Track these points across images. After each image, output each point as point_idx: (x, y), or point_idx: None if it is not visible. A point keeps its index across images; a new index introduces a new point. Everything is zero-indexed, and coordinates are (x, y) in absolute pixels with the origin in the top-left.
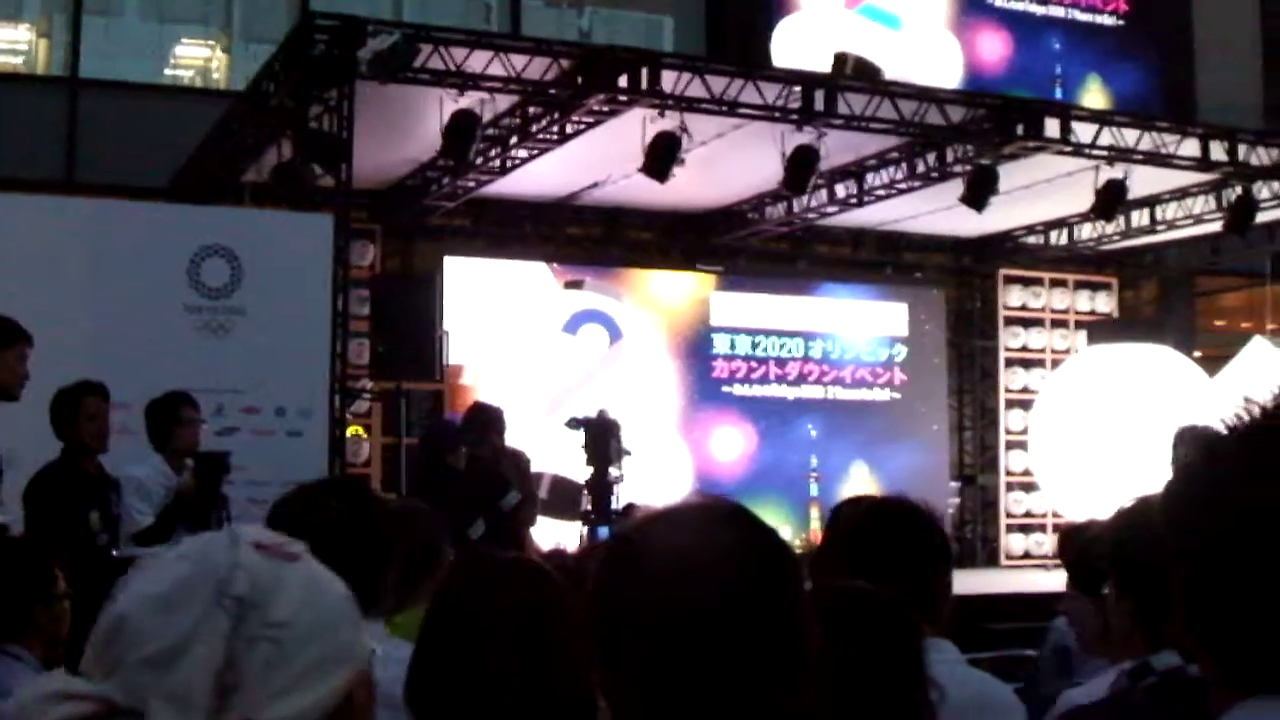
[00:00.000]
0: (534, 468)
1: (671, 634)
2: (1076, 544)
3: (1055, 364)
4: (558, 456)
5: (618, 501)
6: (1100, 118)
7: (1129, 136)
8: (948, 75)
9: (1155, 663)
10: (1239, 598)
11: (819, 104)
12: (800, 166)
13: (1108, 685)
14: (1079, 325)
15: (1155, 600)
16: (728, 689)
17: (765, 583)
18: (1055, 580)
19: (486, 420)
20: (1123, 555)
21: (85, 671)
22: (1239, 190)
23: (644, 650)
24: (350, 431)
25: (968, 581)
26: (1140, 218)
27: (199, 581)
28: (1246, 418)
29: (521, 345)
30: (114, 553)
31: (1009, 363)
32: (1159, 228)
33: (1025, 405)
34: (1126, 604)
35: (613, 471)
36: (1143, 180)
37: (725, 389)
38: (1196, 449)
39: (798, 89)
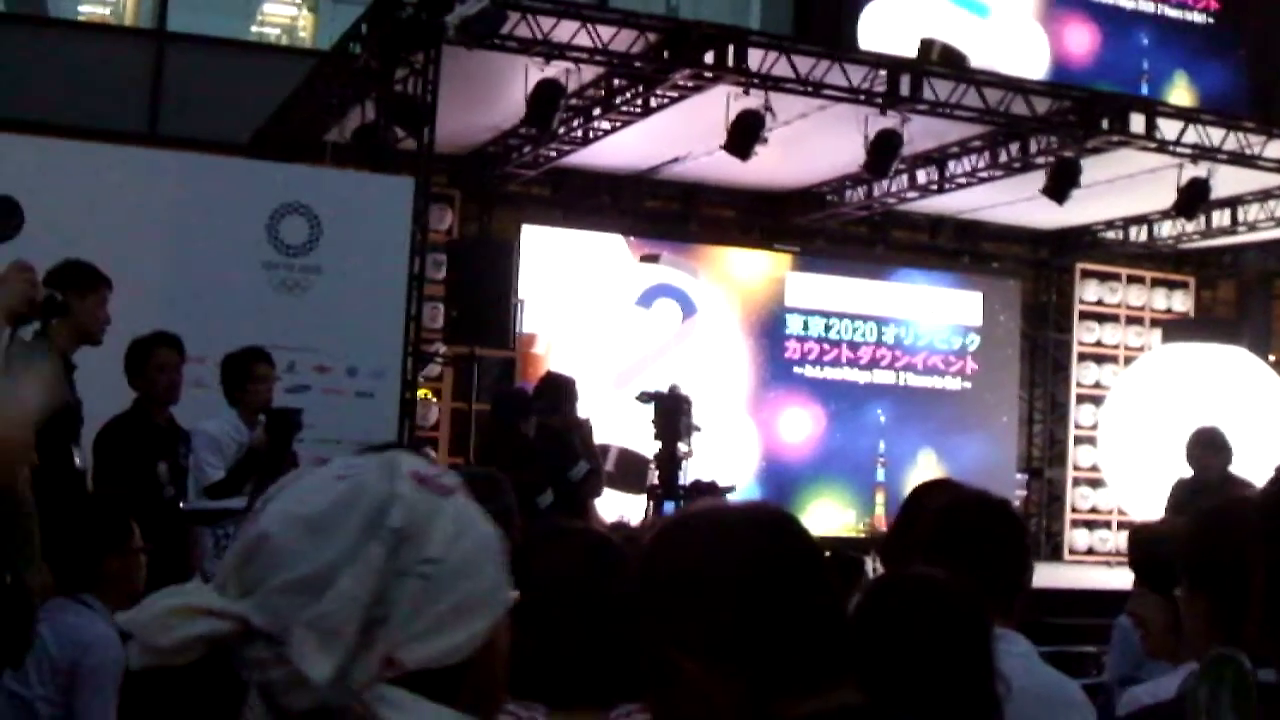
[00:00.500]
0: (603, 440)
1: (722, 607)
2: (1147, 542)
3: (1128, 361)
4: (627, 430)
5: (685, 477)
6: (1186, 115)
7: (1214, 135)
8: (1034, 66)
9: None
10: None
11: (904, 89)
12: (882, 151)
13: (1175, 685)
14: (1154, 323)
15: (1230, 602)
16: (782, 659)
17: (796, 555)
18: (1119, 577)
19: (560, 390)
20: (1200, 554)
21: (219, 587)
22: None
23: (698, 624)
24: (420, 394)
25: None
26: (1221, 218)
27: (352, 508)
28: None
29: (595, 317)
30: (181, 505)
31: (1082, 357)
32: (1239, 228)
33: (1096, 401)
34: (1200, 604)
35: (681, 447)
36: (1225, 180)
37: (797, 370)
38: None
39: (883, 73)
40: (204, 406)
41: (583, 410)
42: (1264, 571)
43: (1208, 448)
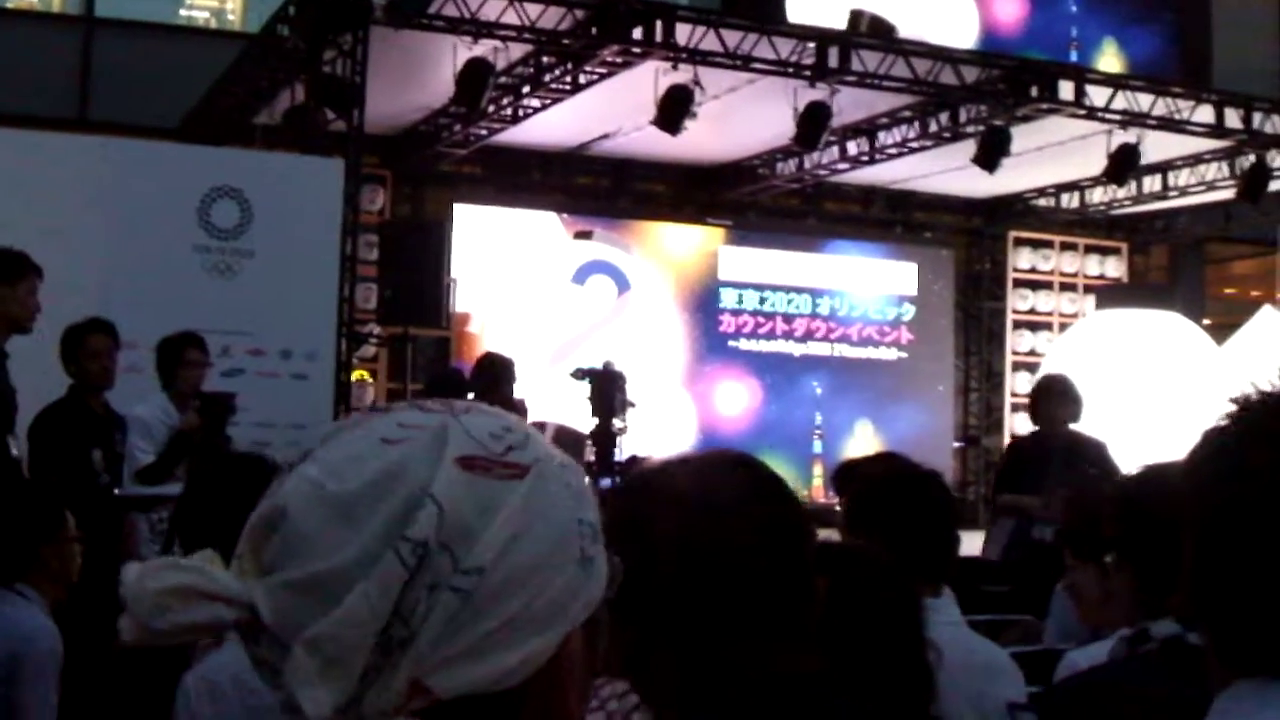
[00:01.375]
0: (539, 417)
1: (687, 570)
2: (1075, 512)
3: (1063, 327)
4: (563, 407)
5: (621, 453)
6: (1115, 81)
7: (1143, 101)
8: (963, 35)
9: (1154, 630)
10: (1250, 574)
11: (833, 60)
12: (812, 123)
13: (1108, 650)
14: (1088, 289)
15: (1158, 569)
16: (739, 631)
17: (777, 523)
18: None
19: (498, 370)
20: (1125, 525)
21: (237, 557)
22: (1252, 158)
23: (658, 587)
24: (355, 376)
25: (968, 543)
26: (1152, 183)
27: (386, 495)
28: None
29: (529, 295)
30: (116, 491)
31: (1016, 325)
32: (1171, 194)
33: (1032, 368)
34: (1128, 571)
35: (617, 423)
36: (1156, 145)
37: (732, 343)
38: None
39: (812, 45)
40: (138, 391)
41: (519, 389)
42: (1190, 539)
43: (1060, 398)
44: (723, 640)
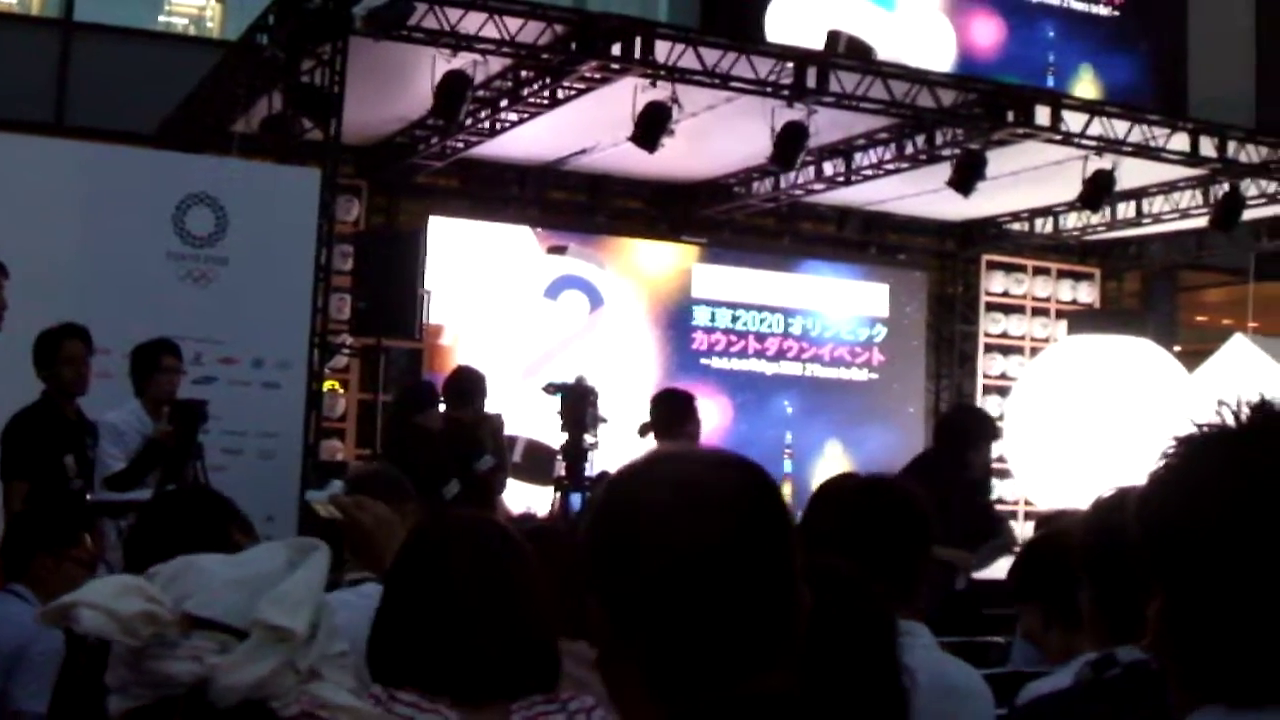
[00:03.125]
0: (510, 431)
1: (672, 566)
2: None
3: (1034, 352)
4: (533, 421)
5: (591, 468)
6: (1090, 108)
7: (1119, 128)
8: (940, 58)
9: (1119, 655)
10: (1206, 603)
11: (810, 81)
12: (789, 142)
13: (1071, 675)
14: (1060, 314)
15: (1122, 594)
16: (709, 640)
17: (766, 519)
18: None
19: (470, 384)
20: (1093, 548)
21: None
22: (1226, 186)
23: (642, 584)
24: (327, 386)
25: None
26: (1126, 210)
27: (267, 555)
28: (1227, 419)
29: (502, 308)
30: (88, 497)
31: (988, 348)
32: (1144, 221)
33: (1003, 392)
34: (1092, 596)
35: (587, 438)
36: (1130, 172)
37: (704, 361)
38: (1179, 450)
39: (790, 65)
40: (111, 397)
41: (493, 404)
42: (1147, 567)
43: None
44: (691, 652)
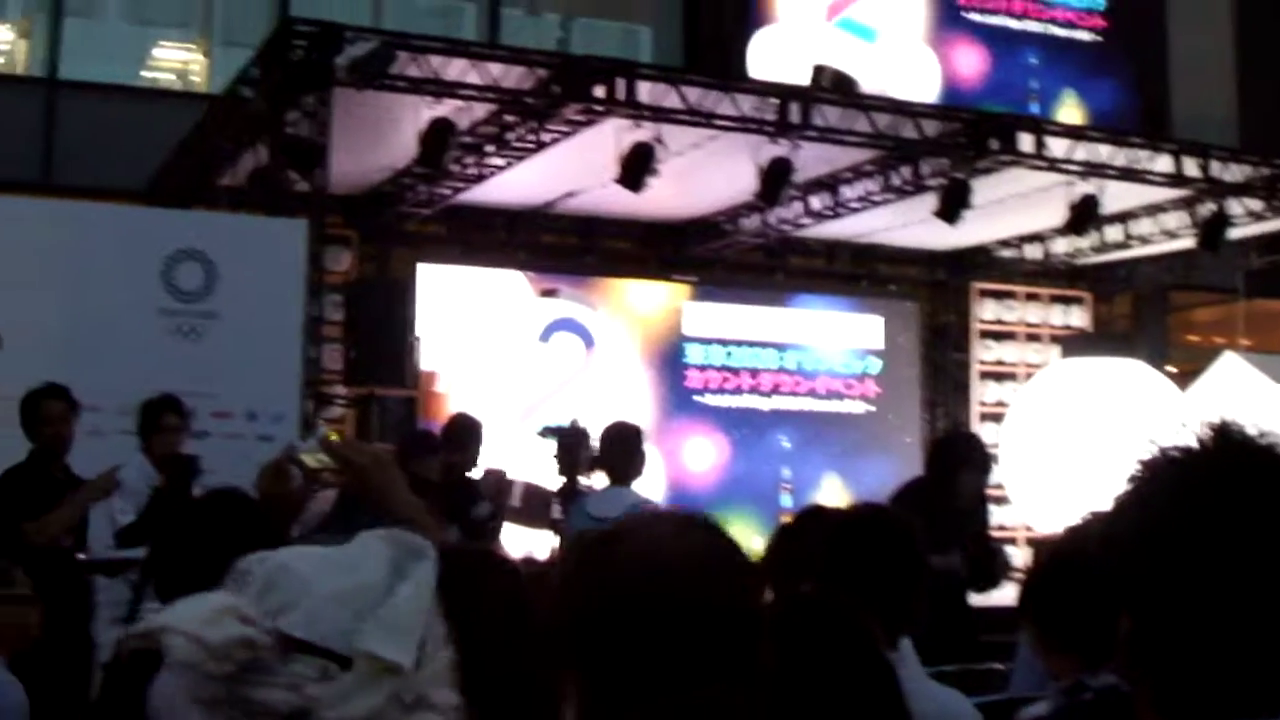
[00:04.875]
0: (508, 476)
1: (640, 629)
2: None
3: (1029, 378)
4: (530, 465)
5: None
6: (1074, 133)
7: (1103, 152)
8: (925, 89)
9: (1091, 681)
10: (1169, 625)
11: (794, 116)
12: (775, 178)
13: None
14: (1053, 339)
15: (1091, 618)
16: (684, 684)
17: (729, 585)
18: None
19: (465, 432)
20: (1057, 578)
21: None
22: (1212, 206)
23: (611, 644)
24: None
25: None
26: (1114, 233)
27: (366, 557)
28: (1189, 445)
29: (495, 353)
30: (80, 556)
31: (982, 376)
32: (1132, 243)
33: (998, 419)
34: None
35: (584, 481)
36: (1116, 195)
37: (698, 399)
38: (1140, 474)
39: (773, 101)
40: (105, 454)
41: (490, 450)
42: (1115, 592)
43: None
44: (673, 684)
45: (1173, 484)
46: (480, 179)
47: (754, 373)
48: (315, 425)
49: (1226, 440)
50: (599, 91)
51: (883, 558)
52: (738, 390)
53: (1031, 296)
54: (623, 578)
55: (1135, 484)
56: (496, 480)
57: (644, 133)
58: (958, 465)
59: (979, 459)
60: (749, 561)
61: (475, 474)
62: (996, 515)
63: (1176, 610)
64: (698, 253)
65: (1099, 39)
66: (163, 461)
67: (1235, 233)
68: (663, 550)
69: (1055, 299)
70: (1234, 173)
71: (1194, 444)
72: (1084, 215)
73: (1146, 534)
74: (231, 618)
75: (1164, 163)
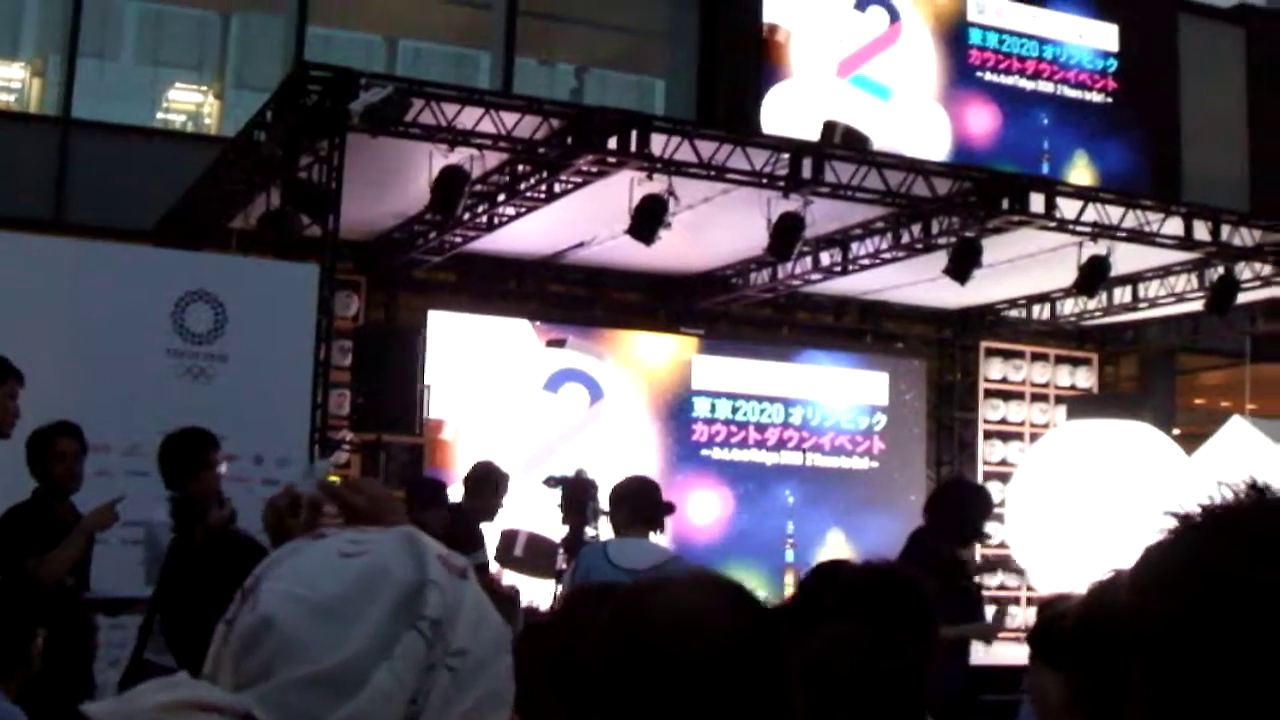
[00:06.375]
0: (512, 525)
1: (672, 683)
2: (1046, 617)
3: (1034, 437)
4: (534, 514)
5: None
6: (1085, 194)
7: (1113, 213)
8: (936, 147)
9: None
10: (1194, 689)
11: (806, 172)
12: (785, 233)
13: None
14: (1059, 400)
15: (1114, 679)
16: None
17: (757, 644)
18: (1027, 654)
19: (488, 482)
20: (1083, 637)
21: (208, 677)
22: (1221, 270)
23: (644, 697)
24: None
25: None
26: (1122, 294)
27: (375, 593)
28: (1216, 500)
29: (502, 402)
30: (84, 594)
31: (988, 435)
32: (1141, 305)
33: (1003, 478)
34: (1086, 685)
35: (588, 531)
36: (1126, 257)
37: (704, 452)
38: (1165, 532)
39: (785, 156)
40: (111, 495)
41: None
42: (1136, 651)
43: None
44: None
45: (1212, 537)
46: (491, 228)
47: (760, 427)
48: (313, 465)
49: (1263, 496)
50: (612, 143)
51: (891, 621)
52: (744, 444)
53: (1038, 356)
54: (657, 632)
55: (1164, 539)
56: (506, 540)
57: (656, 185)
58: (962, 512)
59: (983, 506)
60: (775, 621)
61: (492, 525)
62: (999, 575)
63: (1191, 673)
64: (706, 306)
65: (1111, 100)
66: (170, 502)
67: (1242, 297)
68: (699, 607)
69: (1061, 359)
70: (1244, 237)
71: (1231, 499)
72: (1094, 276)
73: (1163, 592)
74: (189, 712)
75: (1174, 225)
